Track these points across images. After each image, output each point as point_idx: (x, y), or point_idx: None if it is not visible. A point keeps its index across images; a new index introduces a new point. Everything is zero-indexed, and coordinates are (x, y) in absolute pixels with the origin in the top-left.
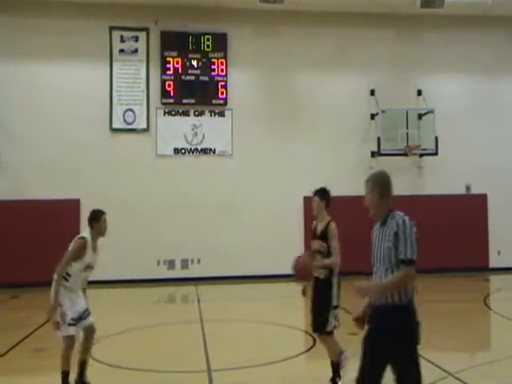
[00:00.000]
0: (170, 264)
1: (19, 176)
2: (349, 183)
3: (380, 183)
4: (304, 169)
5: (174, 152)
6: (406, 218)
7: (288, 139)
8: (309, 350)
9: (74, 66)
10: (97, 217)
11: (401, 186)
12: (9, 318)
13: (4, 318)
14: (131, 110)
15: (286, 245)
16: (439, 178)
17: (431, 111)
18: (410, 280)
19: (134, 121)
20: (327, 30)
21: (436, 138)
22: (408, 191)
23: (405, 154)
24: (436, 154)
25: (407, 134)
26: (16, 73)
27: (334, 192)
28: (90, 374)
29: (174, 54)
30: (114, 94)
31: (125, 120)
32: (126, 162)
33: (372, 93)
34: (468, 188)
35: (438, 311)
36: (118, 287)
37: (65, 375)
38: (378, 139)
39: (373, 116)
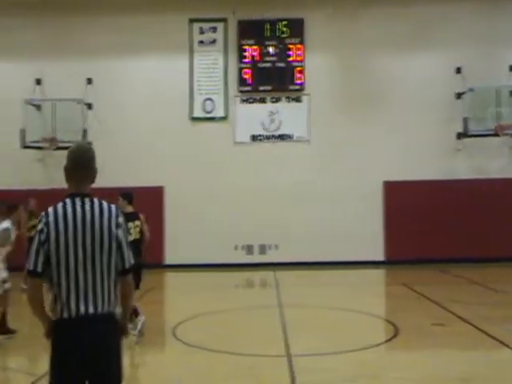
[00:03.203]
0: (249, 249)
1: (105, 164)
2: (433, 167)
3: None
4: (383, 153)
5: (252, 139)
6: (45, 211)
7: (366, 123)
8: (390, 339)
9: (157, 59)
10: None
11: (491, 169)
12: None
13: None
14: (210, 99)
15: (365, 230)
16: None
17: None
18: (30, 301)
19: (212, 109)
20: (405, 10)
21: None
22: (499, 174)
23: (496, 135)
24: None
25: (497, 112)
26: (105, 67)
27: (416, 176)
28: (170, 353)
29: (251, 41)
30: (195, 84)
31: (204, 109)
32: (206, 149)
33: (458, 71)
34: None
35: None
36: (197, 271)
37: None
38: (465, 119)
39: (459, 95)
